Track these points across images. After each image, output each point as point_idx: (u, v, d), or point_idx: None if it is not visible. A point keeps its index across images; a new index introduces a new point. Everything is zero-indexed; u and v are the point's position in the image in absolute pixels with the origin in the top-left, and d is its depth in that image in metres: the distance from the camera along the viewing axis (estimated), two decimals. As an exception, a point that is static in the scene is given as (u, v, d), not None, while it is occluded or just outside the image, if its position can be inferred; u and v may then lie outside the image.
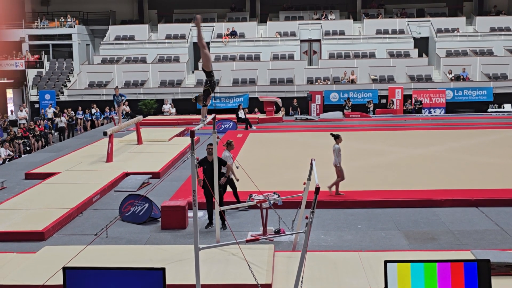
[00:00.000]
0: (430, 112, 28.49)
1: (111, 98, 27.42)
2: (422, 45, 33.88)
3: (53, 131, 25.25)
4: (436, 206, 11.18)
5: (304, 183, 8.18)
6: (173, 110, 29.20)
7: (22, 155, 20.42)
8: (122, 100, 19.37)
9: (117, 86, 24.63)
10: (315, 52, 34.32)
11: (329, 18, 35.60)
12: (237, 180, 10.80)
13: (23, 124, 24.58)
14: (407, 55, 32.50)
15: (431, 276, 5.77)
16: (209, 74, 8.59)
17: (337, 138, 11.67)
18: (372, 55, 32.71)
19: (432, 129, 22.39)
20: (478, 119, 25.75)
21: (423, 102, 28.50)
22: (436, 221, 10.35)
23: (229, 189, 10.89)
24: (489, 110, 28.74)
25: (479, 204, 11.22)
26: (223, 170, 10.09)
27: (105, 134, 16.12)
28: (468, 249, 8.44)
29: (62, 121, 25.22)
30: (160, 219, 10.39)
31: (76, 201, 11.54)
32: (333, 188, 11.75)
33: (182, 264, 7.71)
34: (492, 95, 28.97)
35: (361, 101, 29.06)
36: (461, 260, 5.96)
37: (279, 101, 27.06)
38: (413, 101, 28.50)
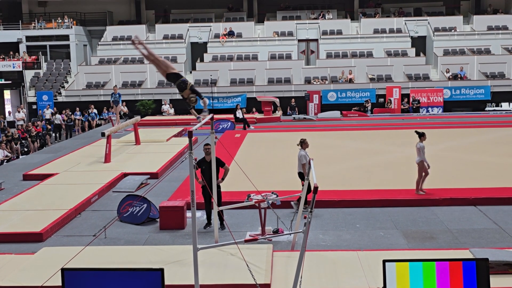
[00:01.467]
0: (427, 111, 28.50)
1: (109, 98, 27.45)
2: (420, 44, 33.91)
3: (51, 132, 25.20)
4: (435, 205, 11.17)
5: (303, 183, 8.19)
6: (172, 111, 29.17)
7: (20, 156, 20.39)
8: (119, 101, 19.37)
9: (115, 85, 24.71)
10: (312, 52, 34.31)
11: (326, 18, 35.60)
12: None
13: (21, 125, 24.53)
14: (404, 54, 32.52)
15: (429, 275, 5.77)
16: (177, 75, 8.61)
17: (421, 136, 11.38)
18: (370, 55, 32.72)
19: (430, 128, 22.37)
20: (475, 118, 25.77)
21: (420, 101, 28.51)
22: (435, 220, 10.35)
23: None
24: (487, 108, 28.79)
25: (478, 203, 11.23)
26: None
27: (103, 134, 16.09)
28: (467, 248, 8.44)
29: (57, 118, 25.16)
30: (158, 220, 10.37)
31: (74, 202, 11.52)
32: (424, 187, 11.63)
33: (180, 265, 7.71)
34: (489, 93, 29.02)
35: (359, 101, 29.06)
36: (459, 259, 5.96)
37: (277, 100, 27.05)
38: (411, 100, 28.52)
